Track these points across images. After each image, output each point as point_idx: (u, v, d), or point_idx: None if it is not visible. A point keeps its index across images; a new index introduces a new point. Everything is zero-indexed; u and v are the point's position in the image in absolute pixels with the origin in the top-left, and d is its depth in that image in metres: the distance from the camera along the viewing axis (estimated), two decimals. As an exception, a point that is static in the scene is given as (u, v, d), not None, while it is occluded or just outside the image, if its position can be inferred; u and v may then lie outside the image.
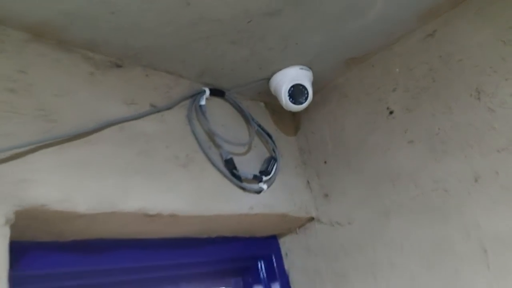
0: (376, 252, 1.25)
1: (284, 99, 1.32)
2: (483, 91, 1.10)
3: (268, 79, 1.36)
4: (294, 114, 1.53)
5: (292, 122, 1.56)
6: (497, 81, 1.08)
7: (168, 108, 1.22)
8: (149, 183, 1.07)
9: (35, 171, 0.86)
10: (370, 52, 1.34)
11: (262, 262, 1.53)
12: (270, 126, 1.48)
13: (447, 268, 1.09)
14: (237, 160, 1.28)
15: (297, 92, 1.32)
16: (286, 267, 1.51)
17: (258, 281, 1.51)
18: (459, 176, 1.10)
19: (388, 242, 1.22)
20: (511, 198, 1.01)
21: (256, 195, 1.30)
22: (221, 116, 1.35)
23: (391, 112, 1.28)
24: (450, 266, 1.09)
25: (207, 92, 1.32)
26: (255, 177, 1.31)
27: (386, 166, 1.26)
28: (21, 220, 0.84)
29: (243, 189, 1.27)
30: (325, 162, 1.44)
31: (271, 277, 1.50)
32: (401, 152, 1.23)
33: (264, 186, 1.31)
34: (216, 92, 1.36)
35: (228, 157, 1.26)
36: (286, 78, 1.34)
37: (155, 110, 1.18)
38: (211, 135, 1.27)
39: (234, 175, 1.25)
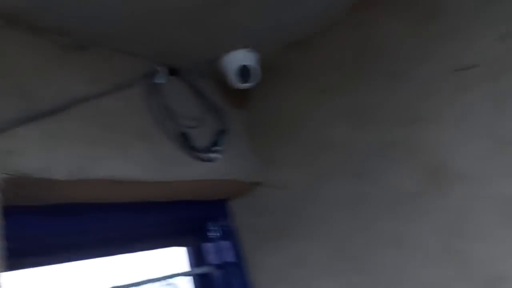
0: (311, 208, 1.48)
1: (233, 78, 1.49)
2: (399, 73, 1.33)
3: (219, 59, 1.52)
4: (243, 91, 1.69)
5: (241, 99, 1.74)
6: (411, 65, 1.31)
7: (128, 86, 1.35)
8: (115, 153, 1.22)
9: (19, 144, 1.00)
10: (308, 37, 1.53)
11: (214, 223, 1.73)
12: (221, 102, 1.65)
13: (366, 218, 1.34)
14: (191, 133, 1.45)
15: (244, 72, 1.49)
16: (235, 226, 1.72)
17: (210, 239, 1.72)
18: (377, 144, 1.34)
19: (321, 200, 1.46)
20: (417, 161, 1.26)
21: (209, 164, 1.48)
22: (176, 93, 1.50)
23: (324, 91, 1.49)
24: (368, 216, 1.34)
25: (164, 71, 1.46)
26: (208, 147, 1.49)
27: (320, 137, 1.48)
28: (10, 187, 0.97)
29: (198, 158, 1.45)
30: (270, 134, 1.64)
31: (222, 236, 1.71)
32: (332, 124, 1.46)
33: (216, 156, 1.49)
34: (172, 71, 1.50)
35: (184, 130, 1.43)
36: (235, 59, 1.50)
37: (117, 88, 1.31)
38: (168, 111, 1.42)
39: (189, 146, 1.42)
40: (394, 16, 1.35)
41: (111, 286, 1.30)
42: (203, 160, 1.46)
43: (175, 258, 1.72)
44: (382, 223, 1.32)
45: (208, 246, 1.72)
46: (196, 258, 1.71)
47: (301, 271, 1.51)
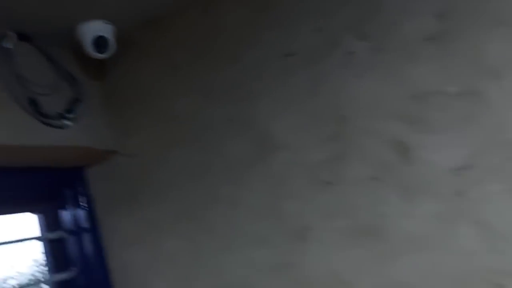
0: (161, 175, 1.61)
1: (89, 48, 1.54)
2: (238, 55, 1.50)
3: (76, 28, 1.55)
4: (100, 62, 1.74)
5: (98, 70, 1.77)
6: (247, 49, 1.49)
7: (-27, 49, 1.34)
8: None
9: None
10: (162, 16, 1.63)
11: (70, 190, 1.77)
12: (77, 70, 1.68)
13: (208, 183, 1.51)
14: (43, 100, 1.47)
15: (100, 43, 1.54)
16: (90, 193, 1.78)
17: (66, 206, 1.76)
18: (218, 117, 1.51)
19: (169, 168, 1.60)
20: (250, 132, 1.45)
21: (62, 131, 1.52)
22: (28, 59, 1.50)
23: (176, 67, 1.61)
24: (210, 181, 1.51)
25: (14, 36, 1.45)
26: (60, 115, 1.52)
27: (171, 109, 1.61)
28: None
29: (49, 125, 1.48)
30: (125, 105, 1.72)
31: (77, 202, 1.76)
32: (181, 99, 1.59)
33: (69, 123, 1.54)
34: (22, 37, 1.49)
35: (33, 96, 1.44)
36: (91, 29, 1.54)
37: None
38: (18, 76, 1.42)
39: (39, 112, 1.45)
40: (236, 3, 1.51)
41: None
42: (54, 126, 1.49)
43: (28, 224, 1.73)
44: (220, 187, 1.50)
45: (63, 212, 1.76)
46: (50, 224, 1.74)
47: (151, 233, 1.64)
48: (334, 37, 1.34)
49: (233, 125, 1.49)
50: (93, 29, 1.54)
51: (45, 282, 1.76)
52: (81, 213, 1.75)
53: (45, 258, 1.72)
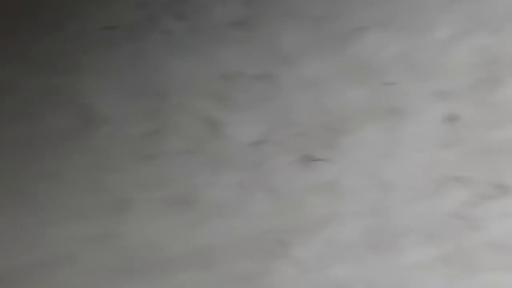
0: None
1: None
2: (60, 24, 1.46)
3: None
4: None
5: None
6: (69, 19, 1.46)
7: None
8: None
9: None
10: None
11: None
12: None
13: (30, 156, 1.46)
14: None
15: None
16: None
17: None
18: (41, 89, 1.47)
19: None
20: (73, 105, 1.45)
21: None
22: None
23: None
24: (31, 154, 1.47)
25: None
26: None
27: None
28: None
29: None
30: None
31: None
32: (1, 67, 1.51)
33: None
34: None
35: None
36: None
37: None
38: None
39: None
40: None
41: None
42: None
43: None
44: (43, 161, 1.47)
45: None
46: None
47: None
48: (153, 15, 1.39)
49: (55, 97, 1.46)
50: None
51: None
52: None
53: None
